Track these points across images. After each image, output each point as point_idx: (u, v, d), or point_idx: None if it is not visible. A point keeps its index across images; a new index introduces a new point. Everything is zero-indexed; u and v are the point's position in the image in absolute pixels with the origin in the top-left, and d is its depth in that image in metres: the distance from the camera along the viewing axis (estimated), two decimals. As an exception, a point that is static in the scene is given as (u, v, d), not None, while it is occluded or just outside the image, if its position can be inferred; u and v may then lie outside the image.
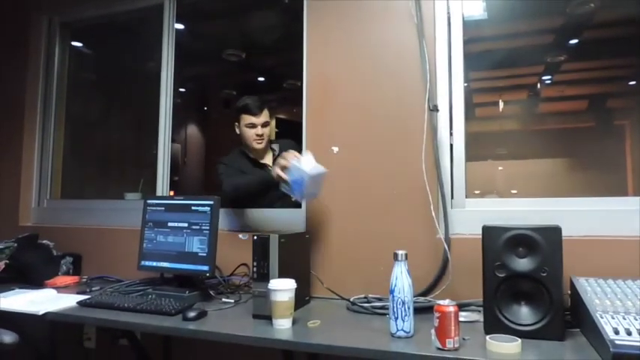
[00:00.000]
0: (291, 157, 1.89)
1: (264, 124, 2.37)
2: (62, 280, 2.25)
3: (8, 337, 1.56)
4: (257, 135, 2.35)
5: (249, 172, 2.32)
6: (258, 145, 2.37)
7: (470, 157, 1.97)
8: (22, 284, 2.10)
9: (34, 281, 2.16)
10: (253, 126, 2.35)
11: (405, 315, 1.39)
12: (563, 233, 1.39)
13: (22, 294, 1.97)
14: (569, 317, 1.47)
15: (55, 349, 2.51)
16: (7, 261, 1.29)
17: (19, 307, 1.76)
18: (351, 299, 1.77)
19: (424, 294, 1.81)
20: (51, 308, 1.74)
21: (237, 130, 2.41)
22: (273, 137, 2.58)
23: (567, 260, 1.38)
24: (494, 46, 3.77)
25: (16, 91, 2.82)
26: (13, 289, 2.03)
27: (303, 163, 1.83)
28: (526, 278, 1.38)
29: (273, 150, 2.47)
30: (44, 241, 2.35)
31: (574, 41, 4.25)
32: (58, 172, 2.91)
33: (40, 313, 1.71)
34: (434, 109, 1.91)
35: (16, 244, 1.30)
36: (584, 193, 1.82)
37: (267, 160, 2.44)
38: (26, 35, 2.86)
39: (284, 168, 1.89)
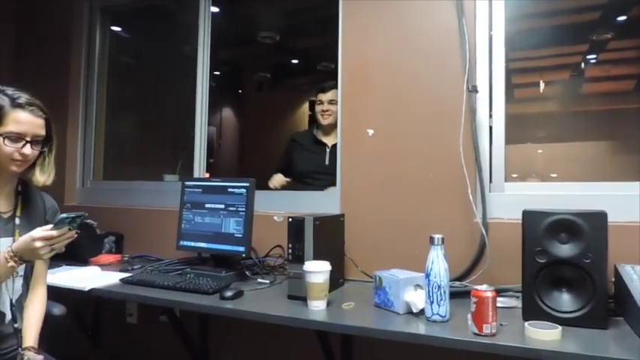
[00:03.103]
0: None
1: (331, 102, 2.57)
2: (105, 258, 2.34)
3: (57, 310, 1.66)
4: (322, 110, 2.60)
5: (310, 149, 2.64)
6: (325, 120, 2.60)
7: (508, 139, 1.91)
8: (68, 261, 2.20)
9: (80, 259, 2.26)
10: (321, 102, 2.61)
11: (441, 299, 1.38)
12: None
13: (68, 270, 2.07)
14: (612, 305, 1.43)
15: (99, 323, 2.63)
16: (79, 231, 1.35)
17: (66, 283, 1.85)
18: (386, 282, 1.77)
19: (460, 279, 1.79)
20: (96, 285, 1.82)
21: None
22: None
23: (611, 247, 1.34)
24: (536, 24, 3.62)
25: (61, 75, 2.90)
26: (60, 266, 2.13)
27: (409, 295, 1.51)
28: (568, 265, 1.35)
29: None
30: (88, 221, 2.44)
31: (622, 18, 4.03)
32: (100, 153, 3.01)
33: (86, 289, 1.79)
34: (473, 90, 1.86)
35: (86, 214, 1.36)
36: (629, 177, 1.74)
37: (332, 139, 2.57)
38: (69, 20, 2.94)
39: None
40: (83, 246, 2.29)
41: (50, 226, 1.33)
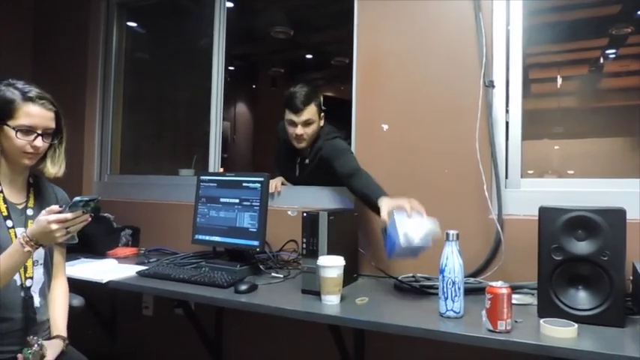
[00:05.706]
0: (407, 207, 1.58)
1: (307, 123, 2.10)
2: (122, 251, 2.38)
3: (76, 301, 1.70)
4: (296, 134, 2.11)
5: (286, 155, 2.28)
6: (299, 145, 2.17)
7: (524, 135, 1.89)
8: (86, 254, 2.25)
9: (97, 251, 2.30)
10: (293, 124, 2.11)
11: (455, 295, 1.38)
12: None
13: (86, 263, 2.11)
14: (629, 304, 1.41)
15: (115, 315, 2.67)
16: (93, 214, 1.38)
17: (84, 275, 1.88)
18: (399, 277, 1.77)
19: (475, 275, 1.78)
20: (113, 277, 1.85)
21: None
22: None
23: (629, 244, 1.32)
24: (555, 18, 3.56)
25: (79, 71, 2.94)
26: (78, 259, 2.17)
27: (404, 226, 1.54)
28: (585, 262, 1.33)
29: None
30: (105, 214, 2.48)
31: (643, 12, 3.96)
32: (117, 148, 3.05)
33: (104, 281, 1.82)
34: (489, 85, 1.84)
35: (99, 197, 1.39)
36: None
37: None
38: (86, 16, 2.97)
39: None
40: (100, 239, 2.34)
41: (60, 207, 1.35)
